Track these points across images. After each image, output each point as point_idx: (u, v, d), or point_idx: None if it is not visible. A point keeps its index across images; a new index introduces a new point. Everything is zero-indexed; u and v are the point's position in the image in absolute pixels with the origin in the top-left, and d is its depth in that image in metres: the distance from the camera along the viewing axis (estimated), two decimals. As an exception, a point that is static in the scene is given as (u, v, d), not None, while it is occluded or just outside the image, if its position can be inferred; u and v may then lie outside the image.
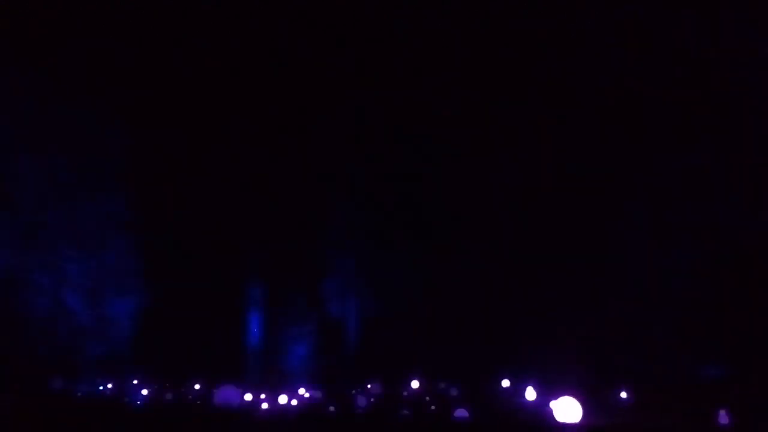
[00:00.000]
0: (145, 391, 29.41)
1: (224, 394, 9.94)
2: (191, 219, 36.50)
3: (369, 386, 27.64)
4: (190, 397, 27.57)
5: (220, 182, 38.06)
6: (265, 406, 23.85)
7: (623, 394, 18.04)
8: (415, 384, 27.91)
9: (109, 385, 29.96)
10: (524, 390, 20.76)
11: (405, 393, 24.80)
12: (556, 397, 14.55)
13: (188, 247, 36.42)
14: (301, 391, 28.82)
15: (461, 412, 12.52)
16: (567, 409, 13.86)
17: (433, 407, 17.98)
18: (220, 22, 31.79)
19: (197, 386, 29.92)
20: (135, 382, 31.98)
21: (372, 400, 23.24)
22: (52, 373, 25.94)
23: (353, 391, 26.27)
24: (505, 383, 24.34)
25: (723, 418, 13.02)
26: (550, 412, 13.89)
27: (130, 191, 27.29)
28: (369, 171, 33.57)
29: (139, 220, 27.77)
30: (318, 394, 26.57)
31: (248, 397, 27.54)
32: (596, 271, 24.00)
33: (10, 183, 23.66)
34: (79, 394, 26.00)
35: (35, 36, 23.45)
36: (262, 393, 27.96)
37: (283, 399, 25.45)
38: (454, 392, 23.35)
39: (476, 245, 30.22)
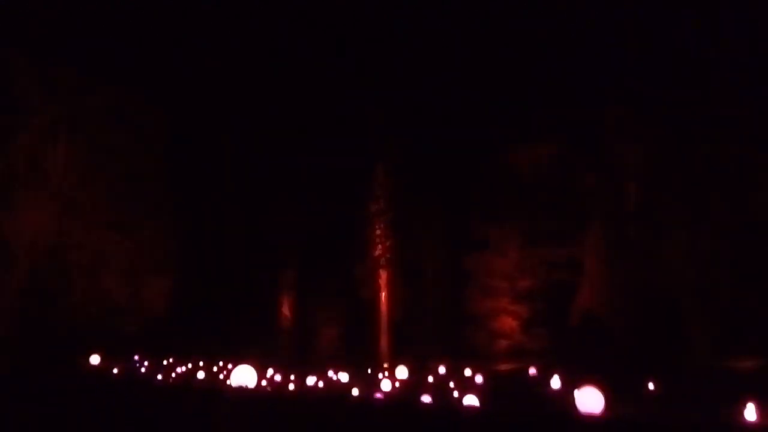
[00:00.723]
0: (179, 370, 30.25)
1: (240, 375, 10.15)
2: (225, 203, 37.29)
3: (395, 370, 27.80)
4: (221, 376, 28.15)
5: (254, 168, 38.71)
6: (291, 387, 24.26)
7: (650, 385, 17.70)
8: (441, 369, 28.01)
9: (146, 363, 30.94)
10: (550, 378, 20.54)
11: (430, 378, 24.79)
12: (580, 387, 14.35)
13: (223, 231, 37.25)
14: (330, 373, 29.21)
15: (471, 399, 12.48)
16: (589, 399, 13.66)
17: (455, 393, 17.95)
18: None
19: (230, 366, 30.58)
20: (170, 360, 32.93)
21: (396, 384, 23.32)
22: (90, 351, 26.86)
23: (379, 375, 26.49)
24: (532, 371, 24.21)
25: (750, 412, 12.65)
26: (573, 401, 13.73)
27: (167, 176, 27.87)
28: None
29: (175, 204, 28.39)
30: (344, 377, 26.86)
31: (277, 377, 28.10)
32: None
33: (50, 163, 24.39)
34: (115, 371, 26.84)
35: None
36: (291, 374, 28.46)
37: (311, 380, 25.84)
38: (478, 379, 23.25)
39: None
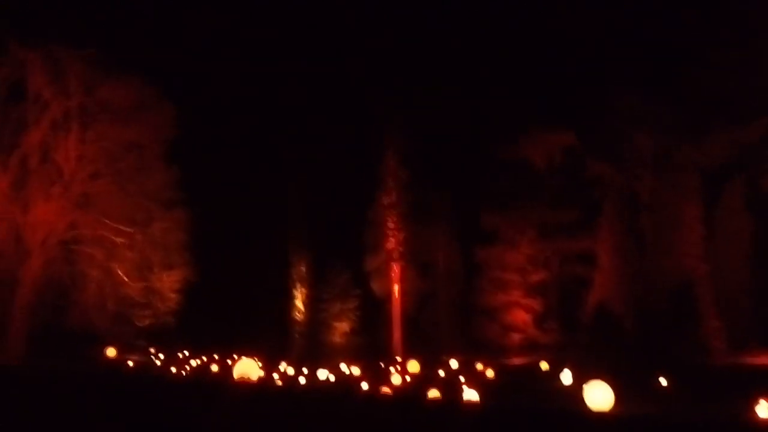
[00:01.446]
0: (193, 362, 30.50)
1: (242, 368, 10.14)
2: (237, 196, 37.44)
3: (407, 364, 27.75)
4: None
5: (266, 161, 38.82)
6: (302, 380, 24.27)
7: (662, 381, 17.40)
8: (453, 364, 27.87)
9: (161, 356, 31.24)
10: (561, 373, 20.28)
11: (441, 372, 24.65)
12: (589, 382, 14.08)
13: (232, 224, 37.41)
14: (343, 366, 29.25)
15: (471, 394, 12.32)
16: (598, 394, 13.40)
17: (464, 386, 17.80)
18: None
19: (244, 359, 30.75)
20: (185, 353, 33.24)
21: (407, 378, 23.23)
22: (106, 344, 27.15)
23: (390, 369, 26.42)
24: (544, 366, 23.96)
25: (763, 408, 12.36)
26: (581, 397, 13.49)
27: (178, 170, 27.86)
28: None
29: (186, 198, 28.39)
30: (356, 371, 26.87)
31: (290, 371, 28.19)
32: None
33: (62, 157, 24.54)
34: (130, 363, 27.14)
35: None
36: (304, 367, 28.52)
37: (322, 374, 25.87)
38: (489, 373, 23.06)
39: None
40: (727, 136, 23.32)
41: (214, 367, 28.02)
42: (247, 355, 30.57)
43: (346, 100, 36.56)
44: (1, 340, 22.43)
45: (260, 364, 29.04)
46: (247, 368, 10.48)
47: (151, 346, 31.38)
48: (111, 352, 27.66)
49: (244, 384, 10.24)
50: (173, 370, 26.94)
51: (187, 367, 28.36)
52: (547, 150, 31.27)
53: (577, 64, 28.52)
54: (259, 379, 11.06)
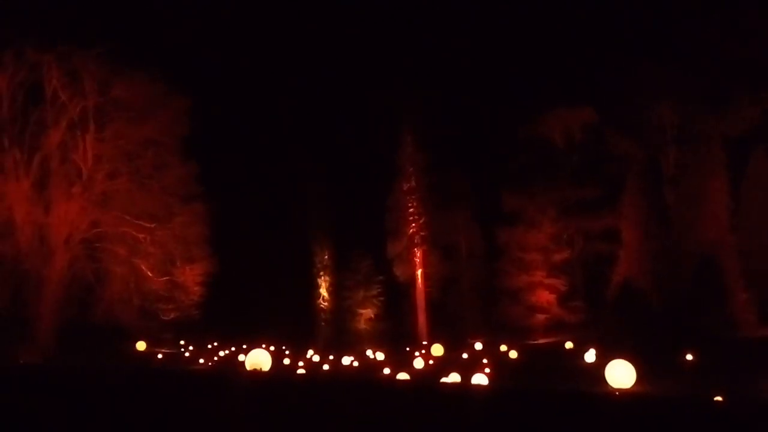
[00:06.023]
0: (221, 354, 30.90)
1: (254, 359, 10.16)
2: (257, 187, 37.59)
3: (431, 348, 27.69)
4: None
5: (284, 149, 38.83)
6: (326, 367, 24.41)
7: (688, 356, 17.00)
8: (478, 346, 27.73)
9: (190, 348, 31.70)
10: (586, 352, 20.02)
11: (465, 355, 24.54)
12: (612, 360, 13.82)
13: (252, 215, 37.57)
14: (368, 352, 29.35)
15: (480, 378, 12.16)
16: (620, 372, 13.14)
17: (487, 370, 17.67)
18: None
19: (272, 348, 31.06)
20: (215, 344, 33.67)
21: (430, 362, 23.18)
22: (134, 338, 27.57)
23: (415, 354, 26.40)
24: (569, 345, 23.67)
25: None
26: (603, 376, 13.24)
27: (195, 163, 27.95)
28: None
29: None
30: (381, 356, 26.95)
31: (316, 358, 28.38)
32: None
33: (81, 157, 24.81)
34: (160, 356, 27.59)
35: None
36: (330, 355, 28.69)
37: (346, 360, 25.99)
38: (513, 354, 22.86)
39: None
40: (751, 102, 22.55)
41: (241, 357, 28.37)
42: (273, 344, 31.04)
43: (364, 87, 36.30)
44: (31, 338, 22.87)
45: (287, 352, 29.61)
46: (259, 359, 10.47)
47: (180, 338, 31.87)
48: (141, 345, 28.12)
49: (256, 375, 10.23)
50: (201, 361, 27.35)
51: (215, 358, 28.76)
52: (567, 127, 30.70)
53: (595, 38, 27.82)
54: (272, 368, 11.06)
